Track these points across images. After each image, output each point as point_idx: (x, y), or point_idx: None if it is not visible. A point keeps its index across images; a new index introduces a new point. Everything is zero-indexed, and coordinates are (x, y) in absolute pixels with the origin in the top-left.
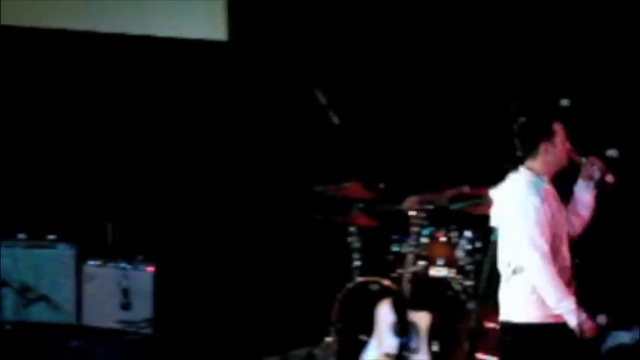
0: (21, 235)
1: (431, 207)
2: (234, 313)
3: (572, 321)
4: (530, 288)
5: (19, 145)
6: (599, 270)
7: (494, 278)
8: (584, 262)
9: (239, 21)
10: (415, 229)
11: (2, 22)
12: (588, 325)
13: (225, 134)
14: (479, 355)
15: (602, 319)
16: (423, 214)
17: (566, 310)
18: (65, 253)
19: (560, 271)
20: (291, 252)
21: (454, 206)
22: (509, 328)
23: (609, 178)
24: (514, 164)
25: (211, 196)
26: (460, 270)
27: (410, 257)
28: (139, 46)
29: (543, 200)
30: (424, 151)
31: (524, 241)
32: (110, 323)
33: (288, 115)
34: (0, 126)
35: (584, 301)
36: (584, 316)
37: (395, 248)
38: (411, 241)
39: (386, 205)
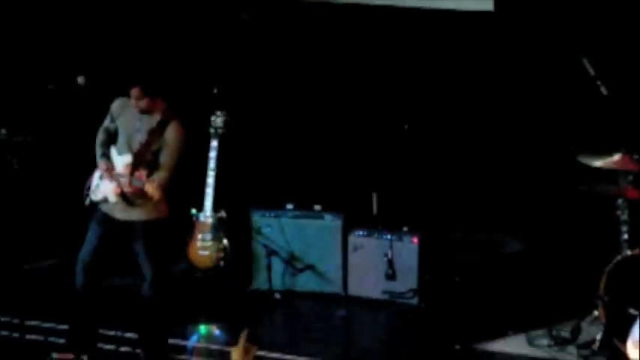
0: (289, 206)
1: None
2: (498, 285)
3: None
4: None
5: (285, 118)
6: None
7: None
8: None
9: None
10: None
11: None
12: None
13: (488, 105)
14: None
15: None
16: None
17: None
18: (332, 223)
19: None
20: (558, 224)
21: None
22: None
23: None
24: None
25: (474, 167)
26: None
27: None
28: (408, 19)
29: None
30: None
31: None
32: (375, 293)
33: (554, 86)
34: (270, 102)
35: None
36: None
37: None
38: None
39: None
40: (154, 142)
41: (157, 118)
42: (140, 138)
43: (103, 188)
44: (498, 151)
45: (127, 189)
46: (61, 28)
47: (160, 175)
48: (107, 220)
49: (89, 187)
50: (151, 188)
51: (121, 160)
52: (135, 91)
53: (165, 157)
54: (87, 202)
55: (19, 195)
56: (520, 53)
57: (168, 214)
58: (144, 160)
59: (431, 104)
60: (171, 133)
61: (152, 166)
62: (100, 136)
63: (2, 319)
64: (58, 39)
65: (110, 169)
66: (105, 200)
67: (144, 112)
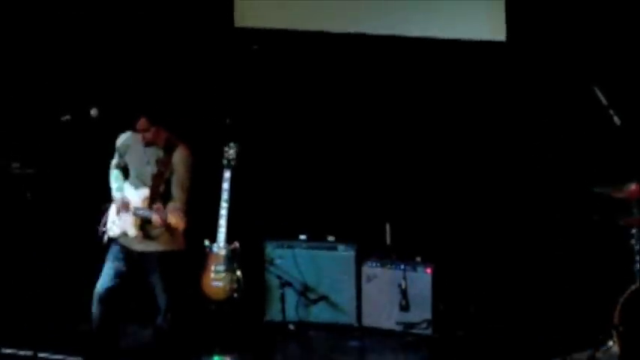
0: (302, 237)
1: None
2: (513, 314)
3: None
4: None
5: (297, 149)
6: None
7: None
8: None
9: (517, 21)
10: None
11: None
12: None
13: (501, 134)
14: None
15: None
16: None
17: None
18: (345, 254)
19: None
20: (570, 253)
21: None
22: None
23: None
24: None
25: (487, 196)
26: None
27: None
28: (420, 48)
29: None
30: None
31: None
32: (389, 324)
33: (567, 115)
34: (278, 132)
35: None
36: None
37: None
38: None
39: None
40: (165, 172)
41: (160, 147)
42: (150, 170)
43: (120, 223)
44: (511, 180)
45: (156, 220)
46: (74, 59)
47: (177, 203)
48: (124, 253)
49: (105, 224)
50: (174, 219)
51: (137, 195)
52: (141, 123)
53: (177, 182)
54: (105, 239)
55: (32, 227)
56: (532, 83)
57: (184, 246)
58: (159, 191)
59: (443, 134)
60: (178, 157)
61: (165, 197)
62: (113, 173)
63: (15, 351)
64: (70, 71)
65: (127, 204)
66: (124, 234)
67: (149, 143)
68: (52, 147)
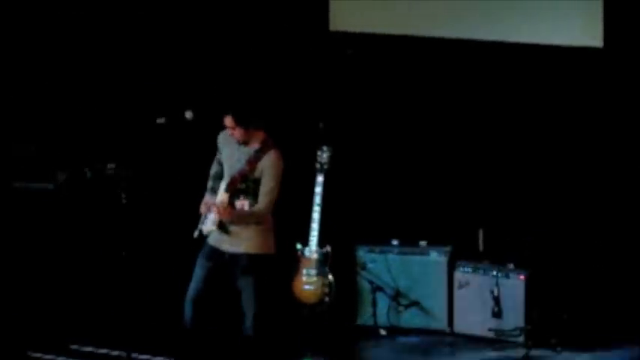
0: (394, 242)
1: None
2: (606, 323)
3: None
4: None
5: (390, 153)
6: None
7: None
8: None
9: (615, 26)
10: None
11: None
12: None
13: (598, 142)
14: None
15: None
16: None
17: None
18: (437, 259)
19: None
20: None
21: None
22: None
23: None
24: None
25: (583, 202)
26: None
27: None
28: (512, 53)
29: None
30: None
31: None
32: (481, 331)
33: None
34: (370, 136)
35: None
36: None
37: None
38: None
39: None
40: (251, 171)
41: (255, 147)
42: (239, 167)
43: (207, 222)
44: (607, 186)
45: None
46: (170, 62)
47: (260, 204)
48: (214, 254)
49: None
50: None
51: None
52: (227, 120)
53: (263, 185)
54: (195, 234)
55: (127, 229)
56: (630, 92)
57: (275, 251)
58: (236, 188)
59: (538, 140)
60: (267, 161)
61: (252, 196)
62: (213, 168)
63: (108, 351)
64: (167, 73)
65: (208, 202)
66: (214, 235)
67: (241, 142)
68: (148, 149)
